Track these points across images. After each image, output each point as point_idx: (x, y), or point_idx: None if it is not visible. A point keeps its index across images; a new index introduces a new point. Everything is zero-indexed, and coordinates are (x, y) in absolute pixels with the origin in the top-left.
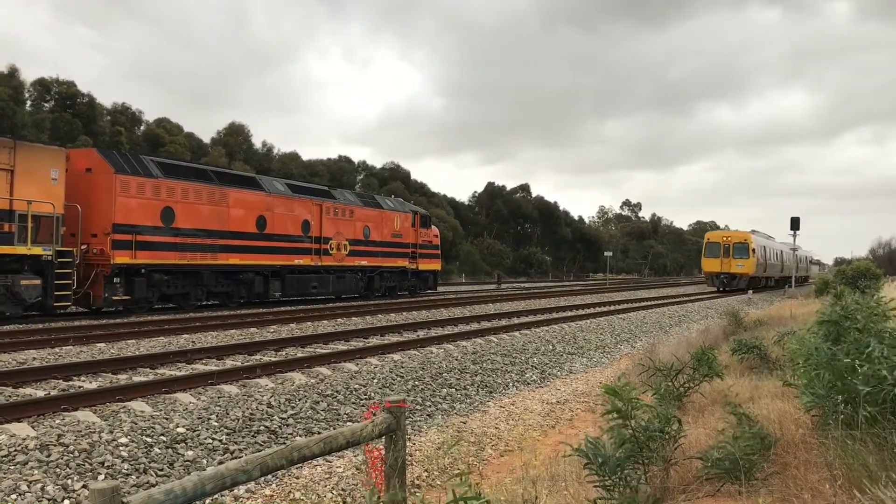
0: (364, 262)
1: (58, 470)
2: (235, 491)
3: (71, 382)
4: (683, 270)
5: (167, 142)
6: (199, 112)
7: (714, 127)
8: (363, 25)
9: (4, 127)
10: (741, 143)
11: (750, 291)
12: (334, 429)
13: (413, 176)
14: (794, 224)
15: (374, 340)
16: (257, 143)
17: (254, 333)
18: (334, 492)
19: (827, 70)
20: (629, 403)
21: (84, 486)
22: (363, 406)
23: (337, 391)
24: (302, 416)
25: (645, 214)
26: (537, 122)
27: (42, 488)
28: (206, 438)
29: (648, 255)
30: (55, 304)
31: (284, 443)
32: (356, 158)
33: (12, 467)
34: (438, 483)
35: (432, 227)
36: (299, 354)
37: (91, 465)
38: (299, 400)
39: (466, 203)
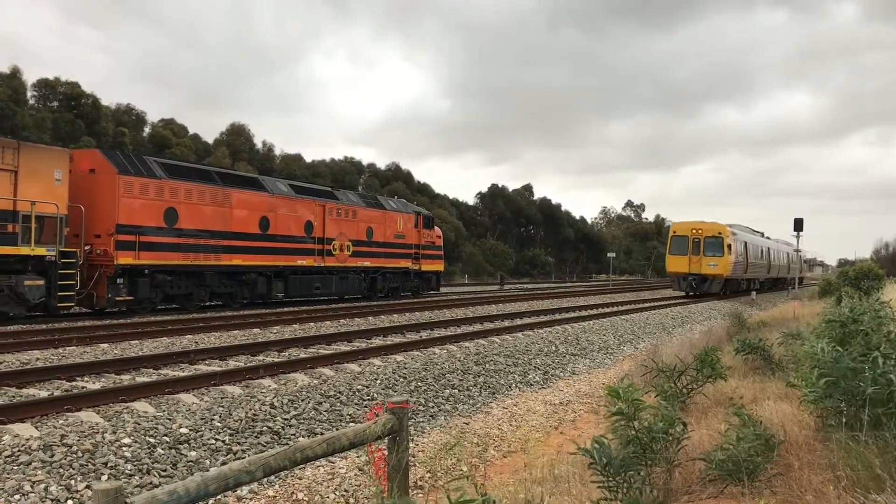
0: (367, 262)
1: (61, 470)
2: (238, 492)
3: (74, 383)
4: None
5: (174, 143)
6: (203, 113)
7: (718, 128)
8: (368, 26)
9: (5, 128)
10: (745, 143)
11: (754, 292)
12: (337, 430)
13: (416, 176)
14: (798, 225)
15: (376, 341)
16: (259, 143)
17: (257, 334)
18: (337, 493)
19: (832, 71)
20: (632, 405)
21: (87, 487)
22: (366, 407)
23: (340, 392)
24: (305, 417)
25: (648, 215)
26: (541, 123)
27: (45, 489)
28: (209, 439)
29: (651, 256)
30: (59, 304)
31: (287, 444)
32: (360, 159)
33: (16, 468)
34: (441, 484)
35: (435, 227)
36: (302, 355)
37: (94, 465)
38: (302, 401)
39: (470, 204)
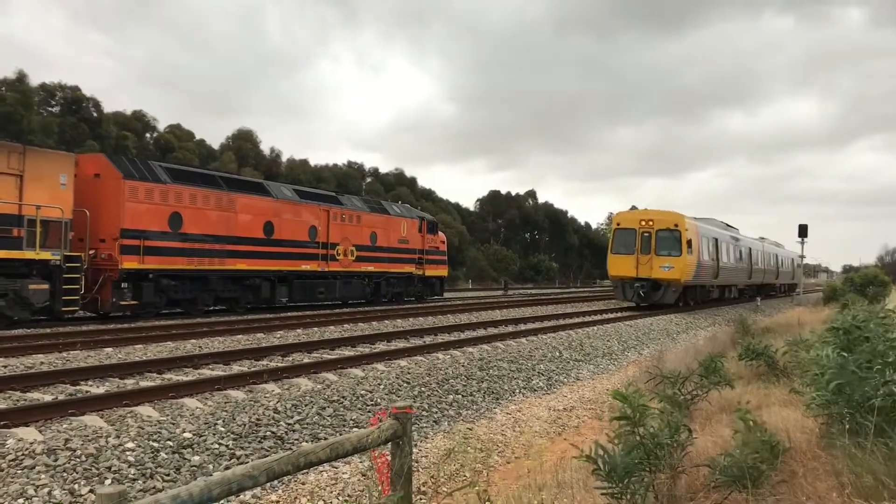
0: (371, 267)
1: (65, 474)
2: (242, 496)
3: (78, 387)
4: None
5: (177, 147)
6: (212, 118)
7: (725, 133)
8: (376, 32)
9: (12, 132)
10: (752, 149)
11: (758, 298)
12: (340, 435)
13: (422, 181)
14: (802, 231)
15: (380, 346)
16: (266, 148)
17: (260, 339)
18: (340, 498)
19: (839, 77)
20: (638, 410)
21: (91, 491)
22: (369, 412)
23: (343, 397)
24: (308, 422)
25: None
26: (548, 128)
27: (49, 493)
28: (212, 444)
29: None
30: (63, 308)
31: (291, 448)
32: (366, 164)
33: (20, 471)
34: (445, 489)
35: (439, 232)
36: (306, 360)
37: (98, 469)
38: (306, 405)
39: (473, 209)
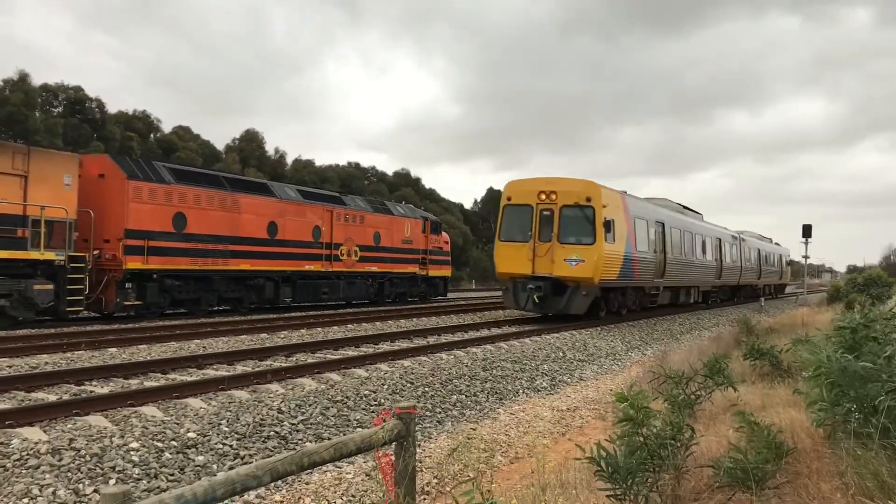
0: (374, 268)
1: (69, 474)
2: (246, 496)
3: (83, 387)
4: None
5: (180, 147)
6: (217, 119)
7: (729, 134)
8: (381, 32)
9: (17, 132)
10: (756, 150)
11: (762, 299)
12: (345, 435)
13: (426, 181)
14: (806, 231)
15: (384, 346)
16: (270, 149)
17: (264, 339)
18: (344, 498)
19: (845, 77)
20: (641, 411)
21: (95, 491)
22: (373, 412)
23: (347, 397)
24: (312, 422)
25: None
26: (552, 129)
27: (54, 492)
28: (216, 444)
29: None
30: (67, 308)
31: (295, 448)
32: (371, 164)
33: (24, 471)
34: (448, 489)
35: (442, 233)
36: (309, 360)
37: (102, 469)
38: (309, 405)
39: (474, 209)
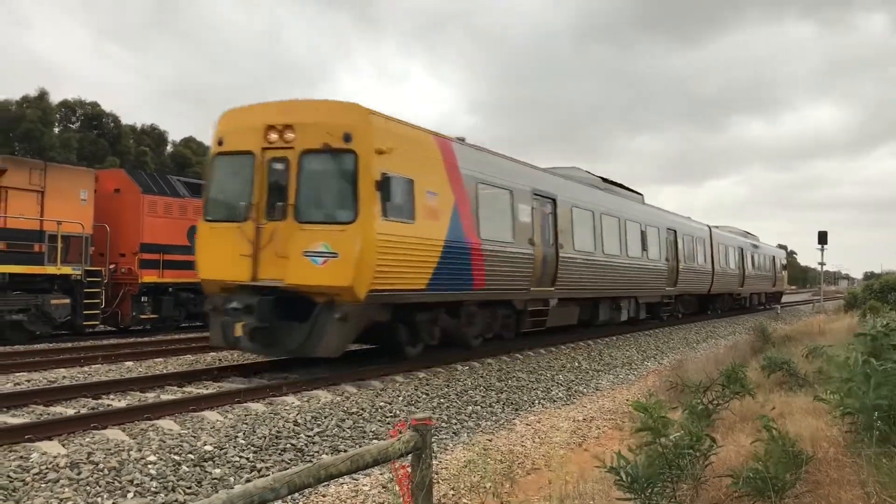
0: None
1: (88, 488)
2: None
3: (100, 401)
4: None
5: (194, 162)
6: None
7: (744, 141)
8: (397, 43)
9: (33, 148)
10: (771, 156)
11: (778, 307)
12: (361, 447)
13: None
14: (822, 238)
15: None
16: None
17: None
18: None
19: (861, 83)
20: (658, 421)
21: None
22: (389, 424)
23: (363, 409)
24: (328, 434)
25: None
26: (567, 137)
27: None
28: (233, 456)
29: None
30: (84, 323)
31: (311, 461)
32: None
33: (44, 485)
34: (465, 501)
35: None
36: (324, 373)
37: (120, 483)
38: (325, 418)
39: None
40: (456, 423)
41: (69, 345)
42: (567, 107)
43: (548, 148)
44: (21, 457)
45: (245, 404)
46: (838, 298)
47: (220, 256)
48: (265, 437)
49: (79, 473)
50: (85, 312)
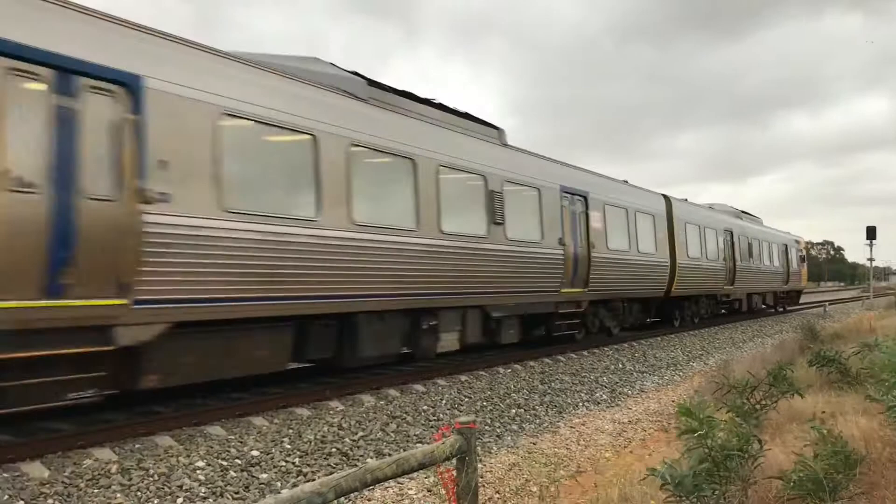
0: None
1: (139, 493)
2: None
3: (148, 407)
4: None
5: None
6: None
7: (789, 137)
8: (437, 48)
9: None
10: (817, 152)
11: (826, 304)
12: (404, 450)
13: None
14: (870, 233)
15: (439, 361)
16: None
17: None
18: None
19: None
20: (705, 423)
21: None
22: (432, 427)
23: (406, 412)
24: (372, 438)
25: None
26: (609, 137)
27: None
28: (279, 461)
29: None
30: None
31: (356, 465)
32: None
33: (96, 490)
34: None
35: None
36: (367, 377)
37: (170, 488)
38: (369, 421)
39: None
40: (499, 426)
41: None
42: (608, 106)
43: (588, 148)
44: (74, 463)
45: (290, 409)
46: (889, 295)
47: None
48: (310, 442)
49: (129, 479)
50: None
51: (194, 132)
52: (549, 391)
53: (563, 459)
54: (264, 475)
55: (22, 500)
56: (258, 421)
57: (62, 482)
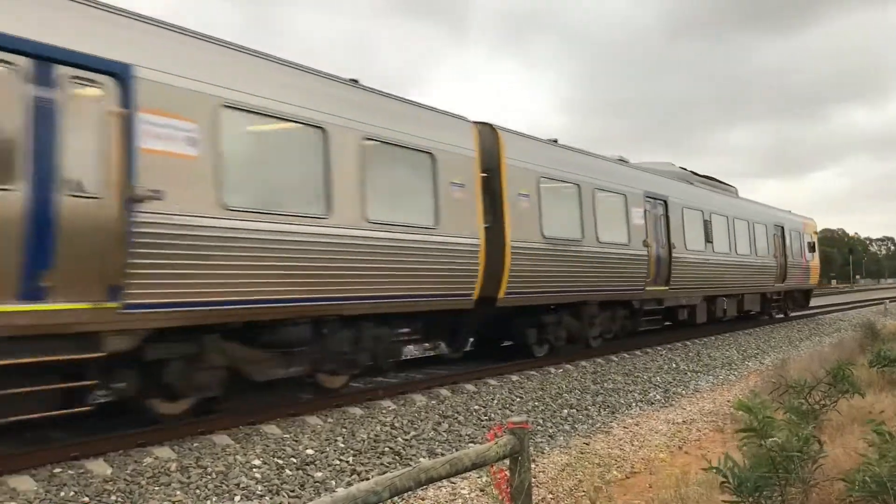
0: None
1: (198, 491)
2: None
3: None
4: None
5: None
6: None
7: (846, 131)
8: (487, 47)
9: None
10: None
11: (887, 301)
12: (456, 450)
13: None
14: None
15: (489, 361)
16: None
17: None
18: None
19: None
20: (763, 422)
21: None
22: (484, 427)
23: (457, 412)
24: (424, 438)
25: None
26: (662, 134)
27: None
28: (334, 460)
29: None
30: None
31: (409, 464)
32: None
33: (157, 488)
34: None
35: None
36: (419, 376)
37: (228, 486)
38: (421, 421)
39: None
40: (552, 427)
41: None
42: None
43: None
44: (135, 461)
45: (343, 408)
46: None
47: None
48: (364, 441)
49: (188, 477)
50: None
51: (676, 215)
52: (601, 391)
53: (617, 460)
54: (319, 473)
55: (87, 496)
56: (312, 420)
57: (124, 479)
